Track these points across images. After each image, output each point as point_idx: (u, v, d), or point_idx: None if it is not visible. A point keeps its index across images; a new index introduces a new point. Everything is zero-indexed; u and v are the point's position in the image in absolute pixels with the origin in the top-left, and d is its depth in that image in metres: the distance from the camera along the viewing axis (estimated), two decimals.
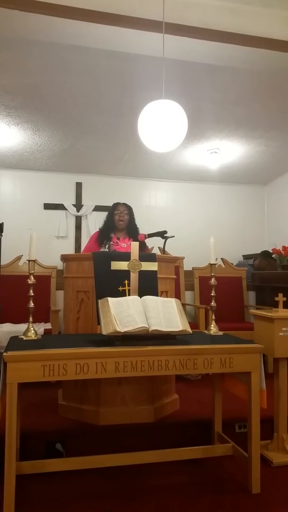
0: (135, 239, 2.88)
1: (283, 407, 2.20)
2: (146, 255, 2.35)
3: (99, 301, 1.93)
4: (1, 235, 3.62)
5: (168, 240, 3.06)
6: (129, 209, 2.98)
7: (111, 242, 2.91)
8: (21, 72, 3.45)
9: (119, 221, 2.93)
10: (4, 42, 3.03)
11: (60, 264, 3.08)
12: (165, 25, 2.36)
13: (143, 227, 3.22)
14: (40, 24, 2.69)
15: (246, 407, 1.90)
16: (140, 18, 2.49)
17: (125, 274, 2.04)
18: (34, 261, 2.01)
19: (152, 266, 2.11)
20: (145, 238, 3.01)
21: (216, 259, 2.29)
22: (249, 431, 1.89)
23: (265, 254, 5.16)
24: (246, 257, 5.52)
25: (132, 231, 2.97)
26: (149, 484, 1.91)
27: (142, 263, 2.05)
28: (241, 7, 2.60)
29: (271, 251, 5.16)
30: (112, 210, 2.99)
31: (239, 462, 2.01)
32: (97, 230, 3.05)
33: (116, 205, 3.01)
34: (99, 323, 1.86)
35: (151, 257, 2.26)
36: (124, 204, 3.00)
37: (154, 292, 2.11)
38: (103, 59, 3.27)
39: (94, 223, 5.60)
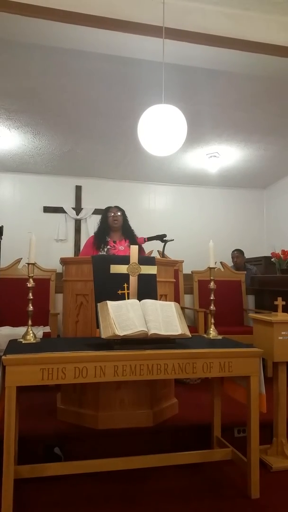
0: (131, 241, 2.88)
1: (283, 412, 2.19)
2: (145, 258, 2.35)
3: (98, 304, 1.93)
4: (1, 238, 3.62)
5: (168, 243, 3.06)
6: (121, 210, 3.01)
7: (108, 246, 2.91)
8: (22, 76, 3.47)
9: (114, 221, 2.94)
10: (6, 46, 3.05)
11: (59, 267, 3.08)
12: (165, 30, 2.38)
13: (143, 231, 3.23)
14: (41, 29, 2.71)
15: (245, 411, 1.89)
16: (140, 23, 2.51)
17: (125, 277, 2.04)
18: (34, 264, 2.01)
19: (151, 270, 2.11)
20: (145, 241, 3.02)
21: (216, 262, 2.29)
22: (248, 435, 1.88)
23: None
24: (245, 261, 5.52)
25: (127, 233, 2.98)
26: (148, 488, 1.90)
27: (141, 266, 2.05)
28: (240, 13, 2.62)
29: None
30: (105, 214, 3.02)
31: (238, 467, 2.00)
32: (92, 235, 3.06)
33: (109, 208, 3.04)
34: (98, 326, 1.86)
35: (150, 261, 2.26)
36: (116, 206, 3.04)
37: (153, 296, 2.11)
38: (104, 64, 3.29)
39: (93, 226, 5.56)
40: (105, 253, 2.86)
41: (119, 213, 2.97)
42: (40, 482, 1.85)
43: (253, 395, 1.85)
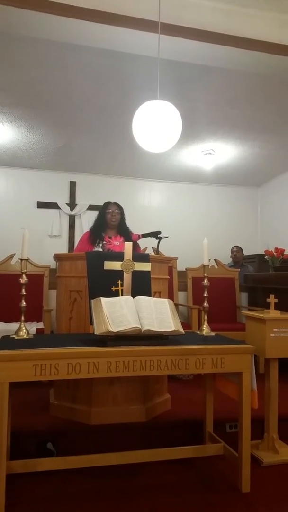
0: (126, 238, 2.88)
1: (274, 408, 2.21)
2: (139, 255, 2.35)
3: (92, 301, 1.92)
4: None
5: (162, 240, 3.06)
6: (120, 208, 3.00)
7: (104, 242, 2.91)
8: (16, 69, 3.44)
9: (111, 220, 2.94)
10: None
11: (53, 263, 3.07)
12: (161, 25, 2.36)
13: (137, 227, 3.22)
14: (35, 21, 2.68)
15: (237, 407, 1.91)
16: (136, 18, 2.49)
17: (119, 274, 2.04)
18: (27, 260, 2.00)
19: (145, 267, 2.11)
20: (139, 238, 3.02)
21: (209, 260, 2.30)
22: (239, 431, 1.90)
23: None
24: (243, 257, 5.55)
25: (122, 230, 2.99)
26: (141, 483, 1.92)
27: (135, 263, 2.05)
28: (237, 9, 2.61)
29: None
30: (104, 210, 3.00)
31: (229, 462, 2.02)
32: (88, 230, 3.06)
33: (108, 204, 3.02)
34: (91, 323, 1.86)
35: (144, 258, 2.26)
36: (115, 204, 3.02)
37: (147, 293, 2.12)
38: (99, 58, 3.27)
39: (87, 222, 5.59)
40: (100, 249, 2.86)
41: (117, 211, 2.97)
42: (33, 477, 1.86)
43: (244, 391, 1.87)
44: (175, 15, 2.51)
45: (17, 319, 2.06)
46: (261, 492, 1.86)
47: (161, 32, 2.38)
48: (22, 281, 1.96)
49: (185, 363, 1.80)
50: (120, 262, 2.04)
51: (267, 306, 2.28)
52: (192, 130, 4.41)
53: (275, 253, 4.28)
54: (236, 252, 5.34)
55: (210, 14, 2.58)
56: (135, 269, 2.06)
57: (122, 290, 2.02)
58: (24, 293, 1.97)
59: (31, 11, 2.47)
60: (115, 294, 2.00)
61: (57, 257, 2.55)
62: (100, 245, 2.89)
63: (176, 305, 3.80)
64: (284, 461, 2.13)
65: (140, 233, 3.07)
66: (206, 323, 2.21)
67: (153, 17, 2.40)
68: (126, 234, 2.96)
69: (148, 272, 2.16)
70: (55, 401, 2.41)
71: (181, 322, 1.97)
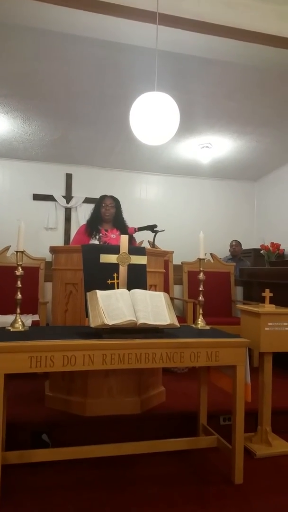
0: (122, 231, 2.88)
1: (268, 401, 2.24)
2: (135, 248, 2.35)
3: (88, 293, 1.92)
4: None
5: (158, 234, 3.06)
6: (115, 201, 2.98)
7: (100, 234, 2.91)
8: (12, 59, 3.38)
9: (105, 214, 2.94)
10: None
11: (49, 256, 3.06)
12: (159, 16, 2.34)
13: (133, 220, 3.22)
14: (32, 11, 2.64)
15: (231, 400, 1.93)
16: (134, 8, 2.46)
17: (114, 267, 2.04)
18: (22, 252, 1.99)
19: (141, 260, 2.11)
20: (135, 231, 3.01)
21: (205, 254, 2.30)
22: (233, 423, 1.92)
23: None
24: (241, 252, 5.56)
25: (119, 223, 2.98)
26: (135, 474, 1.94)
27: (131, 256, 2.05)
28: (235, 1, 2.59)
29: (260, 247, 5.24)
30: (99, 203, 2.99)
31: (223, 454, 2.04)
32: (85, 222, 3.05)
33: (103, 198, 3.01)
34: (87, 315, 1.86)
35: (140, 251, 2.26)
36: (111, 197, 3.00)
37: (143, 286, 2.12)
38: (96, 49, 3.23)
39: (84, 215, 5.57)
40: (97, 241, 2.85)
41: (111, 205, 2.96)
42: (28, 468, 1.87)
43: (238, 384, 1.88)
44: (174, 5, 2.48)
45: (13, 311, 2.05)
46: (253, 484, 1.89)
47: (159, 23, 2.35)
48: (17, 273, 1.96)
49: (180, 356, 1.81)
50: (116, 255, 2.03)
51: (262, 300, 2.29)
52: (189, 123, 4.38)
53: (271, 248, 4.30)
54: (235, 246, 5.36)
55: (209, 5, 2.55)
56: (131, 262, 2.05)
57: (117, 283, 2.02)
58: (20, 286, 1.96)
59: (29, 0, 2.42)
60: (111, 287, 2.00)
61: (53, 250, 2.54)
62: (97, 237, 2.89)
63: (172, 298, 3.81)
64: (276, 454, 2.16)
65: (136, 226, 3.07)
66: (201, 316, 2.22)
67: (152, 7, 2.37)
68: (122, 227, 2.96)
69: (144, 266, 2.16)
70: (50, 393, 2.42)
71: (176, 315, 1.97)
